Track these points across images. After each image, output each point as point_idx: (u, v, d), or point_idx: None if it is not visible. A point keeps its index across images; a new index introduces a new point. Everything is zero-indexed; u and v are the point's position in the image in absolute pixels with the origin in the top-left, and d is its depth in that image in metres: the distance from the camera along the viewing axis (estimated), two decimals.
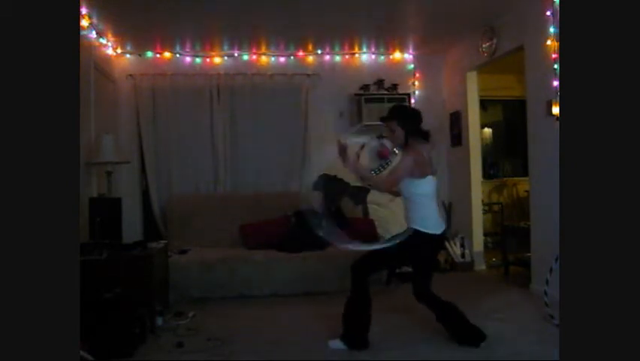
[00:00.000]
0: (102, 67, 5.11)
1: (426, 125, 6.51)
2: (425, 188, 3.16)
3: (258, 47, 5.72)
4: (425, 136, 3.27)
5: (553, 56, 4.02)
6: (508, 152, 7.37)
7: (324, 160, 5.76)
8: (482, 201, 5.94)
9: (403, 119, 3.23)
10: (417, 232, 3.12)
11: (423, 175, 3.13)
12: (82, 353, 2.65)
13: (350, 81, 5.95)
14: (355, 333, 3.17)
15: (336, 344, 3.18)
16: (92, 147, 4.44)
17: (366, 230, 5.12)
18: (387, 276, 4.83)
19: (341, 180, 5.79)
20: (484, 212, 6.09)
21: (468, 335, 3.18)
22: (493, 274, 5.38)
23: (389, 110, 3.35)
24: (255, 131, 5.79)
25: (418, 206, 3.17)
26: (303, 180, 5.87)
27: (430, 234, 3.13)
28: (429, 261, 3.31)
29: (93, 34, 4.81)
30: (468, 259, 5.60)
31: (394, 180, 3.20)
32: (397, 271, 5.20)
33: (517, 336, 3.33)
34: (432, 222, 3.16)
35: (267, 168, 5.81)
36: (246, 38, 5.44)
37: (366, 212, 5.69)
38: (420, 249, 3.17)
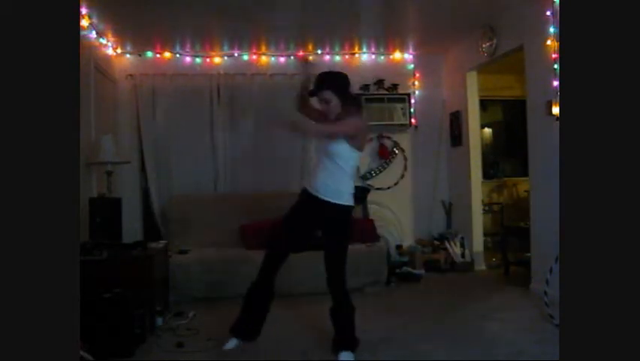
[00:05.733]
0: (102, 67, 5.11)
1: (426, 125, 6.48)
2: (356, 162, 3.04)
3: (258, 47, 5.72)
4: (356, 102, 3.08)
5: (554, 56, 4.02)
6: (508, 152, 7.37)
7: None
8: (482, 201, 5.94)
9: (337, 87, 2.97)
10: (348, 208, 2.99)
11: (361, 147, 2.97)
12: (82, 353, 2.66)
13: (350, 81, 5.95)
14: (353, 335, 3.04)
15: (349, 356, 2.93)
16: (92, 147, 4.44)
17: (367, 230, 5.12)
18: (387, 276, 4.83)
19: None
20: (484, 212, 6.08)
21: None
22: (493, 274, 5.38)
23: (319, 80, 3.00)
24: (255, 132, 5.79)
25: (347, 177, 2.98)
26: (303, 180, 5.87)
27: (352, 206, 3.03)
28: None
29: (93, 34, 4.81)
30: (468, 259, 5.60)
31: (338, 132, 2.88)
32: (397, 271, 5.22)
33: (517, 336, 3.33)
34: (351, 194, 3.03)
35: (267, 168, 5.80)
36: (246, 38, 5.44)
37: (366, 212, 5.68)
38: (349, 224, 3.06)
